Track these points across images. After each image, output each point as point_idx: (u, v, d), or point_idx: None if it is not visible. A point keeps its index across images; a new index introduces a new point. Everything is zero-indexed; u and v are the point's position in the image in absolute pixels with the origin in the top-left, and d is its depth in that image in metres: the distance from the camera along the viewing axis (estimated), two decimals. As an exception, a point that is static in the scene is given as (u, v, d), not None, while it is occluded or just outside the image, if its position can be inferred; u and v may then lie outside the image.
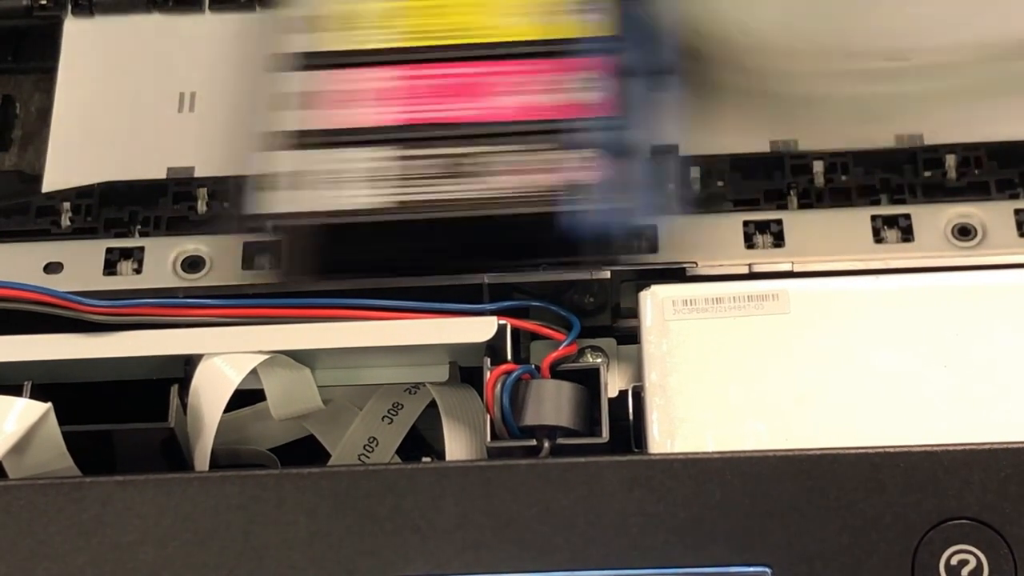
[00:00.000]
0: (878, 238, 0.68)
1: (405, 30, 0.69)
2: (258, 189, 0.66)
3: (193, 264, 0.70)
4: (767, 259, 0.67)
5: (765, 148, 0.71)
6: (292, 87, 0.68)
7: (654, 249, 0.68)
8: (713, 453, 0.59)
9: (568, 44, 0.68)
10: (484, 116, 0.67)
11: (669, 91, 0.70)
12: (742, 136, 0.71)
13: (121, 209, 0.72)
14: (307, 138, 0.67)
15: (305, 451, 0.66)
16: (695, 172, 0.70)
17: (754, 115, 0.72)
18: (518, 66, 0.68)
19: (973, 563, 0.56)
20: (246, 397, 0.64)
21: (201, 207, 0.72)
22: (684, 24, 0.71)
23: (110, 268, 0.70)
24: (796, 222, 0.68)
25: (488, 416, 0.61)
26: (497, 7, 0.69)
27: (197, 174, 0.73)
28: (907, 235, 0.68)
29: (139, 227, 0.72)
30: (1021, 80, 0.71)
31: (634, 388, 0.63)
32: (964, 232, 0.68)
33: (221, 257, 0.71)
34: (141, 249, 0.71)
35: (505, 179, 0.65)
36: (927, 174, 0.70)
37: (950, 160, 0.70)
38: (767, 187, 0.70)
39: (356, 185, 0.65)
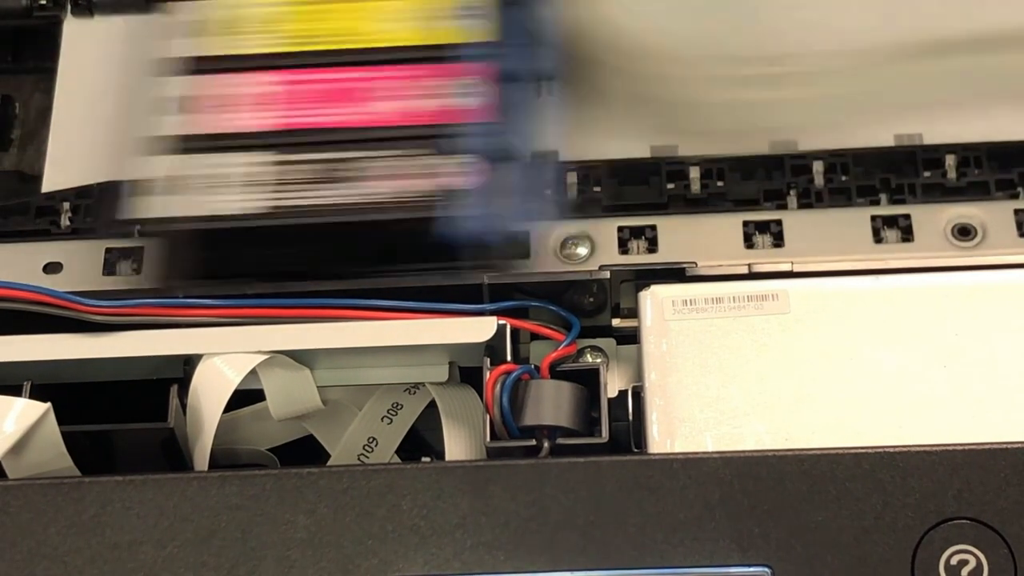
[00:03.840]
0: (878, 238, 0.68)
1: (288, 35, 0.69)
2: (134, 193, 0.66)
3: None
4: (767, 259, 0.67)
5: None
6: (173, 91, 0.68)
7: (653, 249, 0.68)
8: (713, 453, 0.59)
9: (448, 49, 0.68)
10: (363, 121, 0.67)
11: (550, 96, 0.70)
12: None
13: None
14: (185, 143, 0.67)
15: (305, 451, 0.66)
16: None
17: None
18: (398, 71, 0.68)
19: (973, 563, 0.56)
20: (246, 397, 0.64)
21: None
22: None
23: (110, 268, 0.70)
24: (796, 222, 0.69)
25: (488, 416, 0.61)
26: (379, 13, 0.69)
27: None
28: (907, 235, 0.68)
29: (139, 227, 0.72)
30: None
31: (634, 388, 0.63)
32: (964, 232, 0.68)
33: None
34: (141, 249, 0.71)
35: (382, 184, 0.65)
36: (926, 174, 0.70)
37: (950, 160, 0.70)
38: (767, 187, 0.70)
39: (232, 190, 0.65)
